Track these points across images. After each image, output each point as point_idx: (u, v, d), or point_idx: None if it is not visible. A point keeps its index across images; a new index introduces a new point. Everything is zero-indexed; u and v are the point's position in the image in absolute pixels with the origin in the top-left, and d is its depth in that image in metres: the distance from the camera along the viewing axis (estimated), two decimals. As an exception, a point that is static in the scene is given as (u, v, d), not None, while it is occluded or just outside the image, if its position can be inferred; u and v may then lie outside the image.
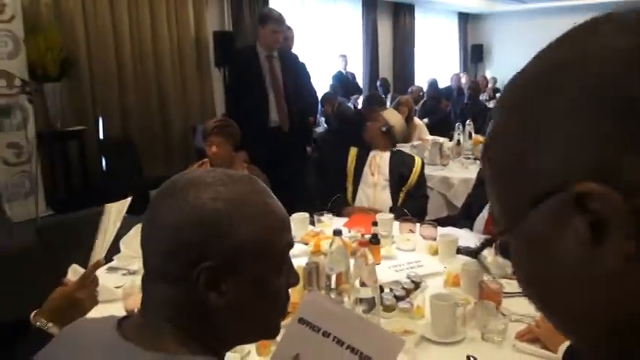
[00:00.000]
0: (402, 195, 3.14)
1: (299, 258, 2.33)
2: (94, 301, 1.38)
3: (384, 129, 3.23)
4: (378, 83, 8.78)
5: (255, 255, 0.75)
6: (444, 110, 7.54)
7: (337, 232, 1.82)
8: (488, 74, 11.70)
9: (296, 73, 4.10)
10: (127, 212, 4.44)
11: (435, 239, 2.46)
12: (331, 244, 1.83)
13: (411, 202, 3.11)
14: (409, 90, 7.67)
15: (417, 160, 3.23)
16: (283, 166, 3.93)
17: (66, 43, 5.30)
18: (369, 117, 4.04)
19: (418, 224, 2.64)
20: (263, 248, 0.76)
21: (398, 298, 1.83)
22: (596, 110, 0.37)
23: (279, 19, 3.89)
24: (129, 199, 1.57)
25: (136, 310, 1.81)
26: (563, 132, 0.38)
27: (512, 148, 0.42)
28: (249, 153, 3.80)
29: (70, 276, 1.94)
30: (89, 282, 1.37)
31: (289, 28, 5.07)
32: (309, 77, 4.42)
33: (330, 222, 2.73)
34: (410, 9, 10.39)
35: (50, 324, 1.26)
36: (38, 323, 1.27)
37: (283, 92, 3.97)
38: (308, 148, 3.91)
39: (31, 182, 4.92)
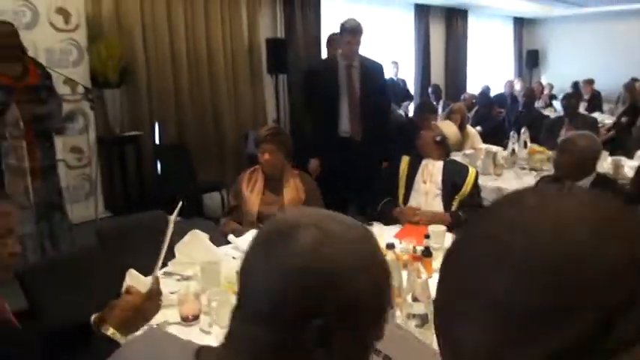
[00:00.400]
0: (454, 203, 3.09)
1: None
2: (157, 311, 1.42)
3: (437, 139, 3.19)
4: (430, 90, 8.68)
5: (369, 310, 0.72)
6: (497, 118, 7.37)
7: (390, 246, 1.80)
8: (544, 80, 11.37)
9: (374, 82, 4.06)
10: (180, 215, 4.51)
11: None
12: (384, 258, 1.81)
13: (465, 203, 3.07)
14: (462, 97, 7.54)
15: (472, 170, 3.18)
16: (353, 177, 3.95)
17: (125, 52, 5.49)
18: (421, 125, 4.01)
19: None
20: (377, 304, 0.73)
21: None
22: None
23: (352, 30, 3.91)
24: (179, 205, 1.59)
25: (190, 317, 1.86)
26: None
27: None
28: (320, 161, 3.92)
29: (127, 281, 2.00)
30: (155, 294, 1.40)
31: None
32: (385, 86, 4.36)
33: (380, 232, 2.70)
34: (463, 14, 10.24)
35: (116, 332, 1.29)
36: (104, 330, 1.30)
37: (359, 102, 3.98)
38: (384, 163, 3.81)
39: (90, 185, 5.11)
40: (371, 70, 4.05)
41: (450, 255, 0.52)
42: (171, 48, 5.95)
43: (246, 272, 0.73)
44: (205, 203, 5.93)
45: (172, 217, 1.54)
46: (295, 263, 0.69)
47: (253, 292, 0.72)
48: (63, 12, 4.94)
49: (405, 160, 3.24)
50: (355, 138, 3.99)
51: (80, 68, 5.05)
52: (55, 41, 4.92)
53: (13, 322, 1.37)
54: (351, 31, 3.89)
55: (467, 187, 3.10)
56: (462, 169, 3.18)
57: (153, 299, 1.38)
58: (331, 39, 5.14)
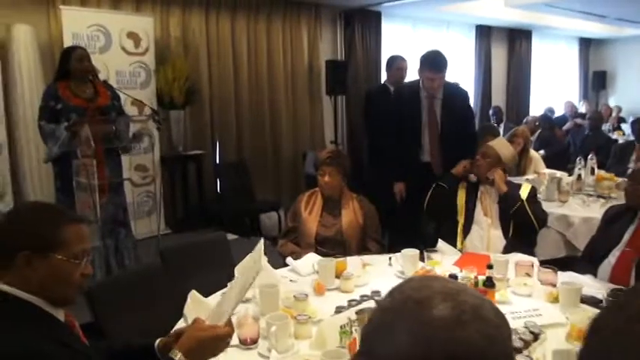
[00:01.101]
0: (511, 227, 3.02)
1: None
2: (226, 347, 1.48)
3: (497, 165, 3.13)
4: (491, 112, 8.51)
5: None
6: (561, 141, 7.13)
7: (453, 277, 1.75)
8: (612, 102, 10.94)
9: (457, 113, 3.80)
10: (237, 234, 4.55)
11: (554, 285, 2.30)
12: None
13: (521, 217, 2.98)
14: (524, 120, 7.34)
15: (526, 185, 3.14)
16: None
17: (191, 74, 5.66)
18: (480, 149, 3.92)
19: (535, 267, 2.50)
20: None
21: (515, 350, 1.72)
22: None
23: (434, 66, 3.64)
24: (261, 242, 1.61)
25: (249, 341, 1.86)
26: None
27: None
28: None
29: (189, 302, 2.03)
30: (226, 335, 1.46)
31: (403, 60, 5.11)
32: (472, 117, 4.11)
33: (441, 259, 2.66)
34: (527, 35, 10.02)
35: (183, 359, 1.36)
36: (172, 355, 1.36)
37: (439, 134, 3.79)
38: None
39: (153, 202, 5.27)
40: (455, 100, 3.80)
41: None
42: (234, 69, 6.10)
43: (379, 338, 0.70)
44: (263, 222, 6.00)
45: (256, 256, 1.56)
46: (439, 333, 0.66)
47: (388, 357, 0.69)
48: (133, 36, 5.16)
49: (462, 187, 3.18)
50: (435, 170, 3.78)
51: (148, 90, 5.26)
52: (125, 64, 5.14)
53: (83, 339, 1.41)
54: (432, 68, 3.62)
55: (523, 195, 3.02)
56: (516, 187, 3.12)
57: (224, 339, 1.45)
58: (391, 62, 5.15)
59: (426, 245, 2.81)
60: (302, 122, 6.78)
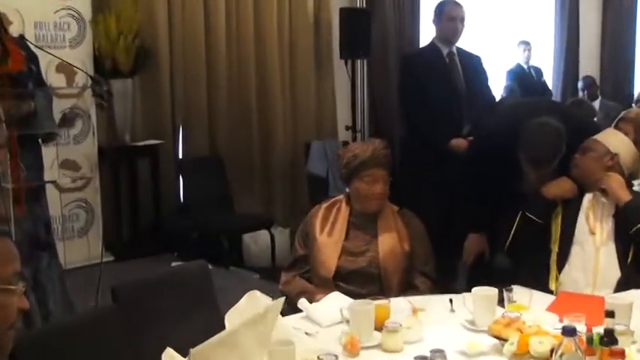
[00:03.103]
0: (631, 252, 3.00)
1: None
2: None
3: (607, 161, 3.10)
4: (581, 84, 8.50)
5: None
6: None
7: (568, 332, 1.71)
8: None
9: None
10: (215, 265, 4.54)
11: None
12: (556, 351, 1.72)
13: None
14: (636, 98, 7.30)
15: None
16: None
17: (143, 27, 5.63)
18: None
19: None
20: None
21: None
22: None
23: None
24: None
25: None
26: None
27: None
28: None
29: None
30: None
31: (457, 5, 5.14)
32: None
33: (528, 302, 2.62)
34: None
35: None
36: None
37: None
38: None
39: (88, 215, 5.22)
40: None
41: None
42: (206, 23, 6.06)
43: None
44: (247, 246, 5.97)
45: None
46: None
47: None
48: (59, -29, 5.13)
49: (557, 217, 3.18)
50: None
51: (81, 50, 5.22)
52: (48, 12, 5.10)
53: None
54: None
55: None
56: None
57: None
58: (440, 9, 5.12)
59: (497, 279, 2.80)
60: (304, 100, 6.76)
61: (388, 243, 3.03)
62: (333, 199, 3.19)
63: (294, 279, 3.09)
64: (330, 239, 3.06)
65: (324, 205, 3.18)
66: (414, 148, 5.08)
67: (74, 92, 4.98)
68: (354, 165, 3.03)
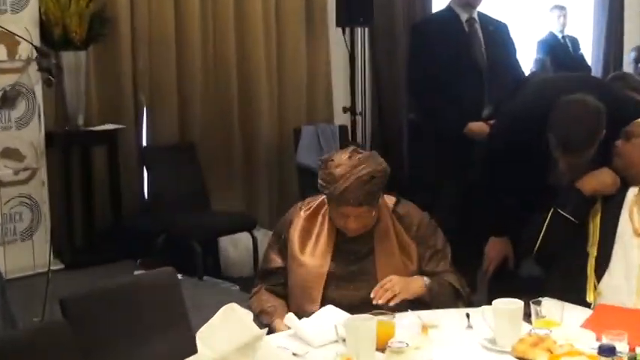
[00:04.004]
0: None
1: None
2: None
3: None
4: (632, 55, 8.51)
5: None
6: None
7: (607, 351, 1.71)
8: None
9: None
10: (186, 274, 4.58)
11: None
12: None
13: None
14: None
15: None
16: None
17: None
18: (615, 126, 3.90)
19: None
20: None
21: None
22: None
23: None
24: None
25: None
26: None
27: None
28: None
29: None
30: None
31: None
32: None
33: (560, 317, 2.63)
34: None
35: None
36: None
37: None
38: None
39: (33, 214, 5.21)
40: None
41: None
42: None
43: None
44: (225, 251, 5.99)
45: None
46: None
47: None
48: None
49: (596, 215, 3.18)
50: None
51: (23, 15, 5.17)
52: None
53: None
54: None
55: None
56: None
57: None
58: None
59: (522, 290, 2.82)
60: (293, 76, 6.78)
61: (388, 264, 2.95)
62: (318, 202, 3.07)
63: (260, 291, 3.03)
64: (313, 261, 2.96)
65: (305, 214, 3.06)
66: (426, 133, 5.09)
67: (16, 66, 4.96)
68: (328, 190, 2.86)
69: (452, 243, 3.22)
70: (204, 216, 5.90)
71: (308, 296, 2.92)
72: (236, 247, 5.92)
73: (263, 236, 5.87)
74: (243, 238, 5.83)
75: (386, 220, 3.01)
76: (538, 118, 3.26)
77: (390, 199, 3.08)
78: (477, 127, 4.55)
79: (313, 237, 3.01)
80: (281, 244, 3.07)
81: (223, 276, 5.80)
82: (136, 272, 4.50)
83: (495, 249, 3.80)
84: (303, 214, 3.06)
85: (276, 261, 3.07)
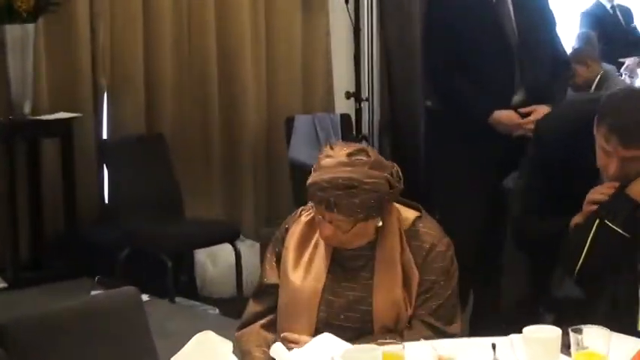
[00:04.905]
0: None
1: None
2: None
3: None
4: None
5: None
6: None
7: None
8: None
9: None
10: (153, 294, 4.64)
11: None
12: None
13: None
14: None
15: None
16: None
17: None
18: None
19: None
20: None
21: None
22: None
23: None
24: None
25: None
26: None
27: None
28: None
29: None
30: None
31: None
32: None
33: (604, 345, 2.63)
34: None
35: None
36: None
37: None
38: None
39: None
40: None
41: None
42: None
43: None
44: (201, 268, 6.01)
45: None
46: None
47: None
48: None
49: None
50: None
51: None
52: None
53: None
54: None
55: None
56: None
57: None
58: None
59: (561, 315, 2.87)
60: (285, 55, 6.82)
61: (388, 289, 2.94)
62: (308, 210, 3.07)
63: (256, 331, 3.02)
64: (306, 282, 2.96)
65: (307, 218, 3.06)
66: (445, 123, 5.08)
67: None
68: (309, 183, 2.88)
69: (476, 257, 3.19)
70: (176, 225, 5.89)
71: (297, 319, 2.93)
72: (215, 262, 5.94)
73: (248, 249, 5.91)
74: (224, 251, 5.85)
75: (393, 241, 2.97)
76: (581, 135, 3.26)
77: (410, 213, 3.03)
78: (506, 116, 4.55)
79: (308, 252, 3.02)
80: (278, 255, 3.08)
81: (200, 297, 5.81)
82: (93, 292, 4.50)
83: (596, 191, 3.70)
84: (304, 218, 3.07)
85: (272, 276, 3.07)
